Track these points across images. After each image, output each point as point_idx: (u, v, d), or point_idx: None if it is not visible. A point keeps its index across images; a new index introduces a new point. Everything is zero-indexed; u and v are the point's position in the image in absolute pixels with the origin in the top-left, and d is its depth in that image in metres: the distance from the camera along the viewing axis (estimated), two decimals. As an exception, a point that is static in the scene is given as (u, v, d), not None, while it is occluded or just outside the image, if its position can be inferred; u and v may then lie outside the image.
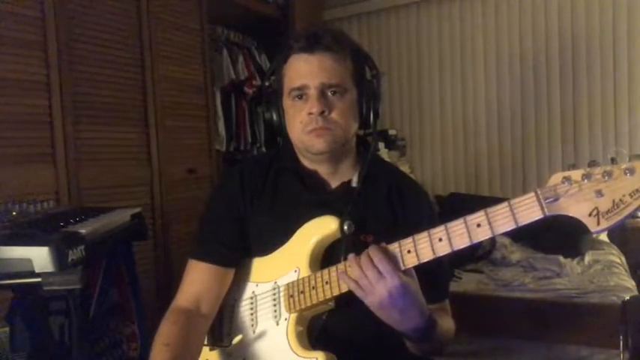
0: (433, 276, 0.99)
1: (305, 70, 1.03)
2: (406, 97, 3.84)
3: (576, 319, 2.10)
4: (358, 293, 0.91)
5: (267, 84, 1.15)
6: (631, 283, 2.33)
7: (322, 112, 1.02)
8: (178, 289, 1.10)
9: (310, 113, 1.02)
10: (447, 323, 1.07)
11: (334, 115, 1.03)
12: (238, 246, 1.11)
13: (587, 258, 2.67)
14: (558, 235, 2.66)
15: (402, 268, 0.90)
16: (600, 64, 3.20)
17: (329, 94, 1.03)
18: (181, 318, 1.03)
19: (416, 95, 3.82)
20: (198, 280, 1.08)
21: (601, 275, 2.42)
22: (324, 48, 1.03)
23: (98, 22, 2.12)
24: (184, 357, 0.99)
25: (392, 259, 0.89)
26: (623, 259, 2.73)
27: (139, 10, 2.30)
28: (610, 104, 3.20)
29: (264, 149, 3.37)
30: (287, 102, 1.07)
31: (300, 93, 1.04)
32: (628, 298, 2.06)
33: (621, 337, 1.89)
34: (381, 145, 3.48)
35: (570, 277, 2.44)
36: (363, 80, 1.08)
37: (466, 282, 2.50)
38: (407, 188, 1.15)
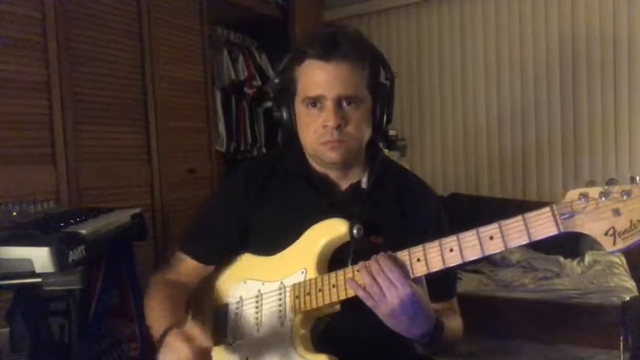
0: (440, 275, 0.99)
1: (322, 80, 1.00)
2: (406, 97, 3.84)
3: (576, 319, 2.10)
4: (369, 302, 0.90)
5: (276, 81, 1.12)
6: (631, 284, 2.33)
7: (338, 126, 1.01)
8: (164, 267, 1.19)
9: (325, 125, 1.01)
10: (454, 323, 1.07)
11: (350, 128, 1.02)
12: (228, 246, 1.14)
13: (588, 258, 2.67)
14: (558, 236, 2.66)
15: (412, 276, 0.90)
16: (601, 61, 3.19)
17: (345, 104, 1.02)
18: (167, 285, 1.13)
19: (416, 95, 3.82)
20: (181, 271, 1.16)
21: (601, 276, 2.41)
22: (342, 57, 0.99)
23: (98, 22, 2.11)
24: (176, 307, 1.08)
25: (402, 268, 0.89)
26: (624, 259, 2.72)
27: (139, 10, 2.30)
28: (610, 102, 3.19)
29: (264, 150, 3.37)
30: (300, 108, 1.06)
31: (316, 102, 1.02)
32: (628, 298, 2.06)
33: (621, 338, 1.90)
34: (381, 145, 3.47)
35: (570, 277, 2.44)
36: (378, 86, 1.07)
37: (466, 282, 2.49)
38: (415, 188, 1.15)
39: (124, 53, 2.23)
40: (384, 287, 0.87)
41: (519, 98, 3.47)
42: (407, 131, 3.82)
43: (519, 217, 0.80)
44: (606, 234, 0.73)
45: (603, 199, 0.73)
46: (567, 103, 3.31)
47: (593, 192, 0.75)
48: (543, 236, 0.79)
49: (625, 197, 0.72)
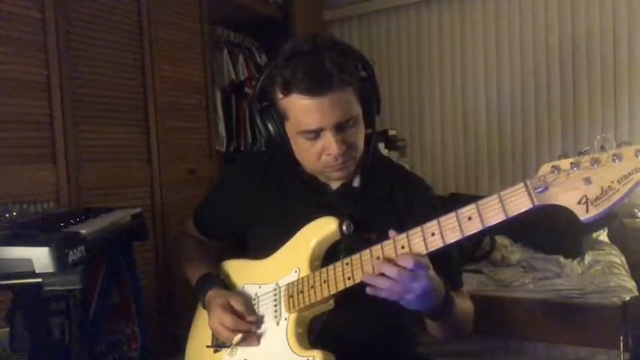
0: (445, 266, 0.99)
1: (317, 114, 0.97)
2: (406, 97, 3.84)
3: (576, 319, 2.10)
4: (393, 297, 0.90)
5: (264, 104, 1.06)
6: (631, 284, 2.33)
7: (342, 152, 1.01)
8: (187, 220, 1.34)
9: (329, 154, 1.01)
10: (465, 303, 1.10)
11: (351, 146, 1.02)
12: (225, 233, 1.27)
13: (588, 258, 2.67)
14: (558, 236, 2.66)
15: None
16: (600, 66, 3.20)
17: (343, 126, 1.00)
18: (193, 237, 1.31)
19: (416, 95, 3.82)
20: (194, 232, 1.31)
21: (601, 276, 2.41)
22: (332, 86, 0.96)
23: (98, 22, 2.11)
24: (209, 251, 1.27)
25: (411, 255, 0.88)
26: (624, 259, 2.72)
27: (139, 10, 2.30)
28: (610, 103, 3.20)
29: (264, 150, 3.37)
30: (296, 137, 1.03)
31: (313, 132, 1.00)
32: (628, 298, 2.06)
33: (621, 338, 1.90)
34: (381, 145, 3.48)
35: (570, 277, 2.43)
36: (363, 88, 1.04)
37: (466, 282, 2.46)
38: (410, 184, 1.15)
39: (124, 53, 2.23)
40: (408, 280, 0.87)
41: (519, 98, 3.47)
42: (407, 131, 3.82)
43: (495, 195, 0.80)
44: (579, 203, 0.73)
45: (575, 169, 0.74)
46: (567, 104, 3.31)
47: (565, 163, 0.75)
48: (519, 211, 0.78)
49: (595, 165, 0.73)
